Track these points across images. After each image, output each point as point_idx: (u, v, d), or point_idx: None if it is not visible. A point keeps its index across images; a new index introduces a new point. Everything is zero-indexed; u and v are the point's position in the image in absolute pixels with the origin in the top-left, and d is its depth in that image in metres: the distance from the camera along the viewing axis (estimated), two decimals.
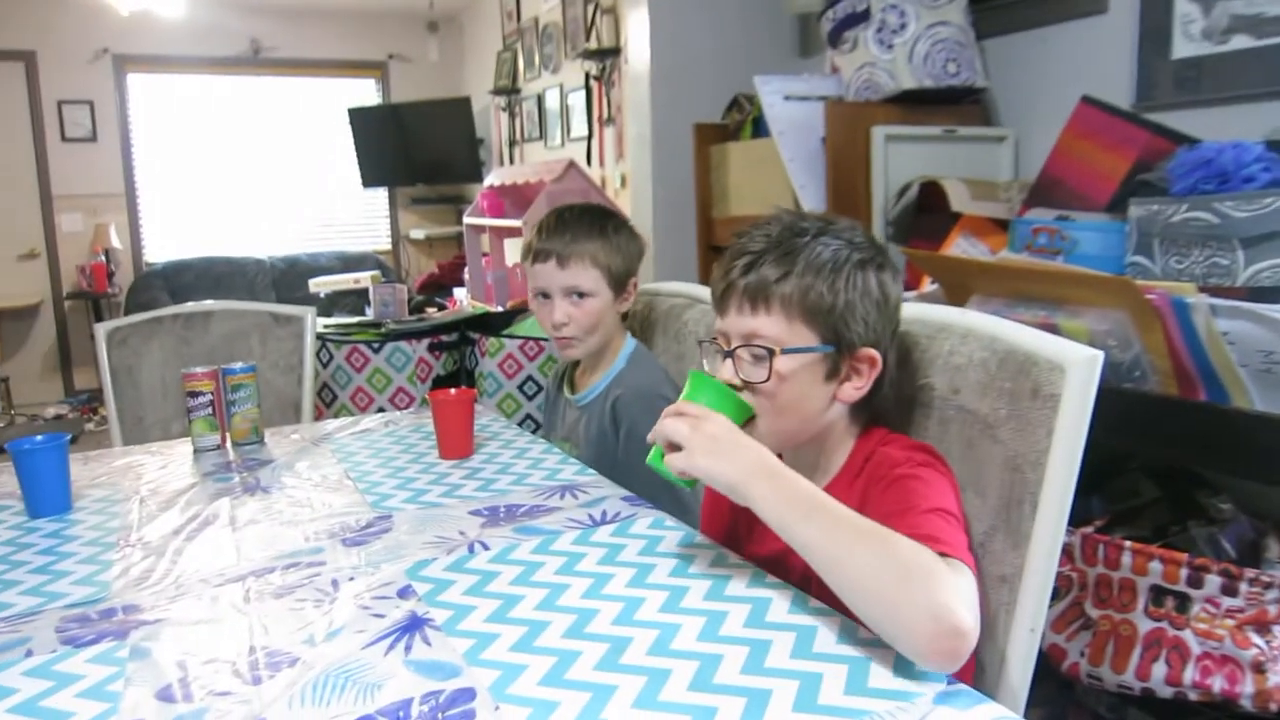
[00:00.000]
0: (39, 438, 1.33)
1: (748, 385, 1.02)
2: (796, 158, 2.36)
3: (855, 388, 1.04)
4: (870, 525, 0.86)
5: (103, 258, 5.90)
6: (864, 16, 2.30)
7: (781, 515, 0.88)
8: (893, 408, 1.12)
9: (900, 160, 2.25)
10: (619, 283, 1.62)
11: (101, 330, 2.14)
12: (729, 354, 1.04)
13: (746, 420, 1.02)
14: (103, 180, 6.05)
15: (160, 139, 6.25)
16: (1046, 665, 1.46)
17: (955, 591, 0.79)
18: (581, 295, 1.59)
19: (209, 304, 2.27)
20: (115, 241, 5.99)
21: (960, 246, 1.99)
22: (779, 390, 1.01)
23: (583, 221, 1.61)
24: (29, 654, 0.88)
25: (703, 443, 0.93)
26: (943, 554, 0.84)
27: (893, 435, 1.07)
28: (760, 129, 2.63)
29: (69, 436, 1.36)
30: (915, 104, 2.30)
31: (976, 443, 1.03)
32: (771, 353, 1.00)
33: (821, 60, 2.97)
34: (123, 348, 2.14)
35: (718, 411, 0.98)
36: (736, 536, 1.14)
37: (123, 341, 2.14)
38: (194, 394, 1.62)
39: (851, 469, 1.06)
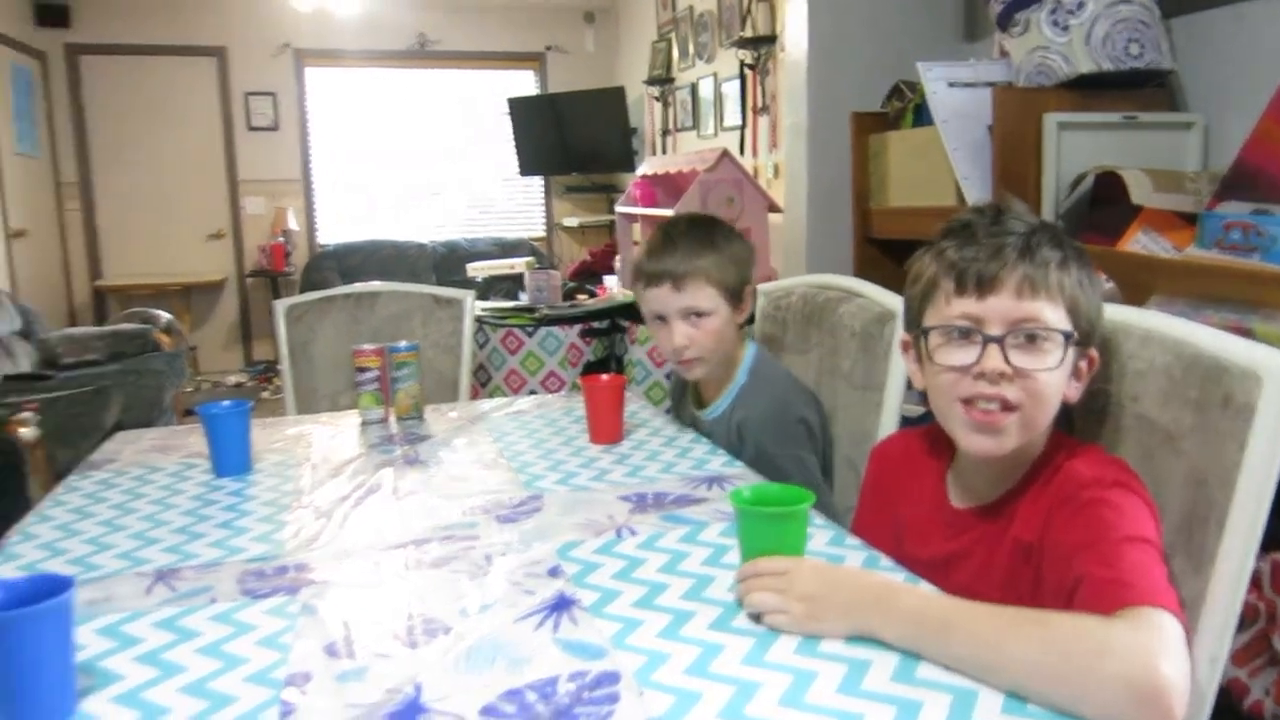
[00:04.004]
0: (225, 403, 1.43)
1: (1018, 372, 0.93)
2: (961, 147, 2.27)
3: (1077, 388, 0.98)
4: (1017, 613, 0.77)
5: (281, 239, 6.35)
6: None
7: (916, 643, 0.79)
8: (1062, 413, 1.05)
9: (1074, 150, 2.12)
10: (735, 295, 1.54)
11: (280, 307, 2.28)
12: (993, 340, 0.93)
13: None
14: (282, 167, 6.49)
15: (334, 128, 6.64)
16: (1226, 700, 1.36)
17: (1142, 651, 0.71)
18: (700, 315, 1.51)
19: (377, 285, 2.38)
20: (293, 224, 6.44)
21: (1140, 242, 1.86)
22: (1051, 380, 0.94)
23: (691, 237, 1.52)
24: (213, 601, 0.96)
25: (800, 608, 0.84)
26: (1130, 605, 0.76)
27: (1081, 446, 0.99)
28: (922, 117, 2.53)
29: (251, 403, 1.46)
30: (1092, 89, 2.16)
31: (1156, 454, 0.97)
32: (1069, 337, 0.94)
33: (989, 44, 2.83)
34: (299, 324, 2.27)
35: (787, 550, 0.91)
36: (899, 536, 1.10)
37: (299, 318, 2.28)
38: (362, 369, 1.71)
39: (1039, 478, 0.98)
